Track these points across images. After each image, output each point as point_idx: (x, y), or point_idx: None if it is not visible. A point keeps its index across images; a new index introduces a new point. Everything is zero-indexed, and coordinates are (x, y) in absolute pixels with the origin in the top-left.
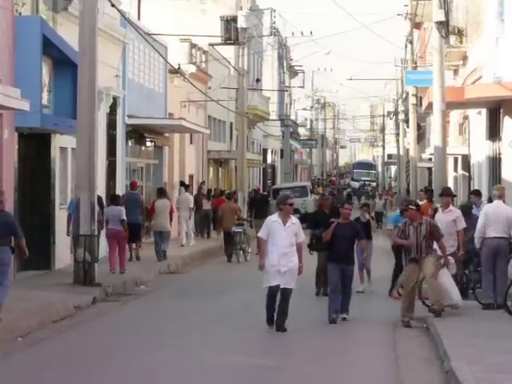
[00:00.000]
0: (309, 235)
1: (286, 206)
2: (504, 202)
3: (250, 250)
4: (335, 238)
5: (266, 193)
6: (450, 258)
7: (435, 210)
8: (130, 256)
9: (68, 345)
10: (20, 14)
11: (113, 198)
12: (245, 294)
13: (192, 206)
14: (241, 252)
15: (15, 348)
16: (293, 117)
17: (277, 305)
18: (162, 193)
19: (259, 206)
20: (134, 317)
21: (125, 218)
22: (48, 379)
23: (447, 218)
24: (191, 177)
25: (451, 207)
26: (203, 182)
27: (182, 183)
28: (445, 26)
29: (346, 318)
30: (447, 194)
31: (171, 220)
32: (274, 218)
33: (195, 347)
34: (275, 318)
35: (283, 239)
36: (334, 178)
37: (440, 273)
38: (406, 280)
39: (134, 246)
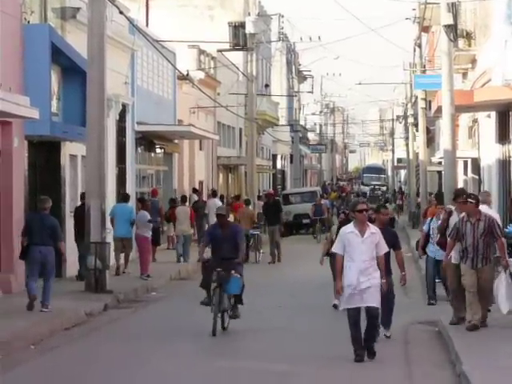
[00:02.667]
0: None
1: (357, 214)
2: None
3: (262, 251)
4: None
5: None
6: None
7: (450, 213)
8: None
9: (80, 352)
10: (28, 22)
11: (141, 201)
12: (255, 298)
13: None
14: (256, 252)
15: (27, 356)
16: (302, 122)
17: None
18: (183, 200)
19: (271, 212)
20: (146, 324)
21: (149, 217)
22: None
23: None
24: (201, 183)
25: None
26: (213, 189)
27: (195, 190)
28: (453, 30)
29: (387, 335)
30: (462, 195)
31: (192, 225)
32: (349, 229)
33: (208, 353)
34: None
35: (362, 253)
36: (344, 184)
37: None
38: (467, 283)
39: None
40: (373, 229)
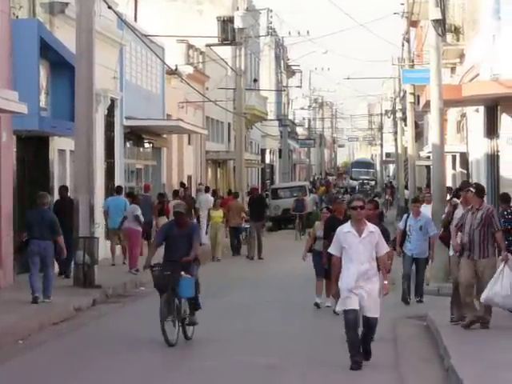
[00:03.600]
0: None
1: (352, 211)
2: None
3: None
4: None
5: (265, 192)
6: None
7: (455, 207)
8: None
9: (68, 347)
10: (17, 17)
11: (130, 196)
12: (244, 293)
13: (212, 206)
14: (248, 246)
15: (16, 351)
16: (291, 116)
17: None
18: (175, 194)
19: (256, 207)
20: (134, 319)
21: (138, 214)
22: (48, 383)
23: None
24: (190, 178)
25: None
26: (200, 183)
27: (182, 184)
28: (441, 24)
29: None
30: (467, 188)
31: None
32: (346, 228)
33: (195, 348)
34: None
35: (360, 254)
36: (330, 178)
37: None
38: (461, 276)
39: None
40: (371, 227)
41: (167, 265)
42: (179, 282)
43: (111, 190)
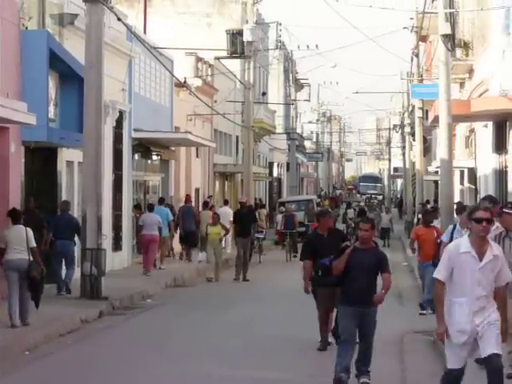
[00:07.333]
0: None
1: (474, 225)
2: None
3: (264, 254)
4: (351, 270)
5: (258, 204)
6: None
7: None
8: (181, 257)
9: (74, 359)
10: (26, 28)
11: (149, 206)
12: (249, 306)
13: (231, 219)
14: (259, 254)
15: (22, 362)
16: (299, 130)
17: None
18: (205, 205)
19: (244, 222)
20: (140, 331)
21: (162, 226)
22: None
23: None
24: (197, 190)
25: (497, 223)
26: (210, 196)
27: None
28: (451, 39)
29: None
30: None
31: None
32: (463, 247)
33: (200, 361)
34: None
35: (477, 285)
36: (337, 193)
37: None
38: None
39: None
40: (496, 249)
41: None
42: None
43: (158, 199)
